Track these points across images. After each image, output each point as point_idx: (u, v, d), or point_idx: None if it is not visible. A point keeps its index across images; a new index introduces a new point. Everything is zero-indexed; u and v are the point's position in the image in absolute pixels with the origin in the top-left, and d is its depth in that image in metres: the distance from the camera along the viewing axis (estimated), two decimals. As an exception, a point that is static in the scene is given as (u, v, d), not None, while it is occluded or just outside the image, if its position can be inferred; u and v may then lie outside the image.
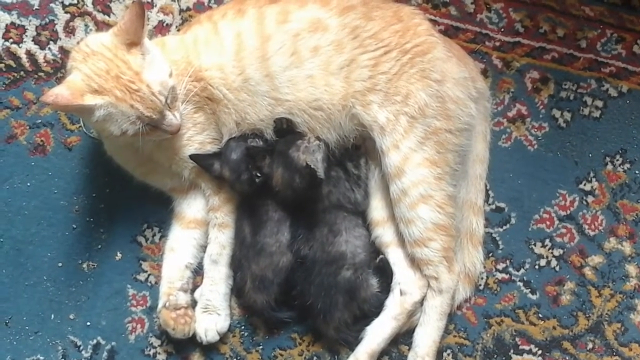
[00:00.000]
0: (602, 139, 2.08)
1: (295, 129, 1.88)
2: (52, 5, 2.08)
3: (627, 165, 2.06)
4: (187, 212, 2.00)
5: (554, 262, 2.03)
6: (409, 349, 1.93)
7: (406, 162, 1.84)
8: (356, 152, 1.96)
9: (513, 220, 2.05)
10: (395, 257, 1.94)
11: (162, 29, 2.10)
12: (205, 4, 2.11)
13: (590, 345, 1.99)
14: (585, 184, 2.06)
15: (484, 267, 2.01)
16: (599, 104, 2.09)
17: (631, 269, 2.03)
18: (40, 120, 2.05)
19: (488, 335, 2.00)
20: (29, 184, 2.03)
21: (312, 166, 1.81)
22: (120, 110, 1.67)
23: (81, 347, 1.99)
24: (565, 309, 2.01)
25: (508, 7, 2.11)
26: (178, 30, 2.08)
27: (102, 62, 1.67)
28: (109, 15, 2.09)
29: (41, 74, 2.06)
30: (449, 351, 1.99)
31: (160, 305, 1.93)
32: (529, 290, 2.02)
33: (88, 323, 2.00)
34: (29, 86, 2.06)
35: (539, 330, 2.00)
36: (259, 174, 1.88)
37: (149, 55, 1.72)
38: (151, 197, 2.02)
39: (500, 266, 2.03)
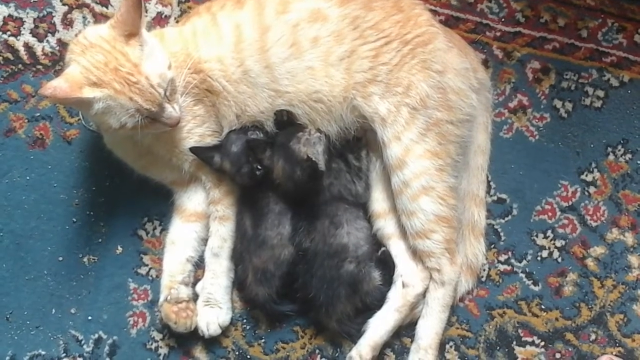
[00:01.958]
0: (603, 129, 2.07)
1: (296, 121, 1.88)
2: (49, -3, 2.07)
3: (628, 156, 2.05)
4: (188, 205, 1.99)
5: (556, 254, 2.02)
6: (411, 341, 1.93)
7: (407, 154, 1.83)
8: (357, 143, 1.95)
9: (515, 212, 2.04)
10: (397, 249, 1.93)
11: (160, 20, 2.09)
12: (204, -5, 2.09)
13: (593, 337, 1.99)
14: (587, 175, 2.05)
15: (486, 258, 2.01)
16: (601, 94, 2.08)
17: (633, 259, 2.02)
18: (39, 114, 2.04)
19: (490, 327, 2.00)
20: (28, 178, 2.02)
21: (313, 158, 1.81)
22: (119, 102, 1.66)
23: (82, 342, 1.99)
24: (568, 300, 2.01)
25: (509, -4, 2.11)
26: (177, 22, 2.07)
27: (101, 54, 1.66)
28: (107, 7, 2.08)
29: (39, 66, 2.05)
30: (451, 343, 1.99)
31: (161, 299, 1.93)
32: (531, 281, 2.01)
33: (89, 317, 1.99)
34: (27, 79, 2.05)
35: (542, 322, 2.00)
36: (259, 167, 1.87)
37: (148, 47, 1.71)
38: (151, 190, 2.01)
39: (502, 258, 2.03)
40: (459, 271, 1.91)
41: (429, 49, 1.86)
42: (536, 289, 2.01)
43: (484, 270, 2.02)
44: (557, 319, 1.99)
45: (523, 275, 2.02)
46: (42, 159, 2.03)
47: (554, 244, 2.03)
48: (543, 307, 2.00)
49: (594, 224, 2.04)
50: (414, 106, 1.83)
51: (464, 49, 1.98)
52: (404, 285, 1.90)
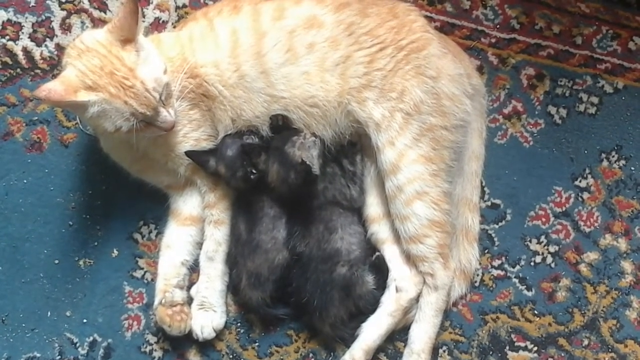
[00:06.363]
0: (597, 136, 2.07)
1: (291, 126, 1.88)
2: (48, 2, 2.08)
3: (622, 162, 2.06)
4: (183, 209, 2.00)
5: (549, 259, 2.03)
6: (404, 346, 1.94)
7: (401, 159, 1.84)
8: (352, 148, 1.95)
9: (508, 217, 2.05)
10: (391, 253, 1.94)
11: (158, 25, 2.10)
12: (201, 1, 2.11)
13: (585, 342, 1.99)
14: (580, 181, 2.06)
15: (480, 263, 2.02)
16: (595, 100, 2.09)
17: (626, 265, 2.03)
18: (36, 118, 2.05)
19: (484, 331, 2.00)
20: (25, 181, 2.03)
21: (308, 162, 1.81)
22: (114, 106, 1.67)
23: (77, 344, 1.99)
24: (561, 305, 2.01)
25: (504, 3, 2.11)
26: (174, 27, 2.08)
27: (97, 58, 1.67)
28: (105, 12, 2.09)
29: (38, 71, 2.07)
30: (444, 348, 1.99)
31: (156, 302, 1.94)
32: (525, 286, 2.02)
33: (84, 320, 2.00)
34: (26, 83, 2.06)
35: (535, 327, 2.00)
36: (254, 171, 1.88)
37: (144, 52, 1.72)
38: (147, 194, 2.02)
39: (496, 263, 2.03)
40: (452, 276, 1.92)
41: (423, 54, 1.87)
42: (529, 294, 2.02)
43: (478, 275, 2.02)
44: (550, 324, 2.00)
45: (516, 281, 2.02)
46: (39, 163, 2.04)
47: (547, 249, 2.03)
48: (536, 312, 2.01)
49: (587, 230, 2.04)
50: (408, 111, 1.84)
51: (458, 55, 1.99)
52: (397, 290, 1.91)
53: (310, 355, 1.99)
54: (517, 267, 2.03)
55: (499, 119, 2.09)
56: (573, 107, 2.09)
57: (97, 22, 2.09)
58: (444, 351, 1.99)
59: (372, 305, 1.92)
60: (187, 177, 1.96)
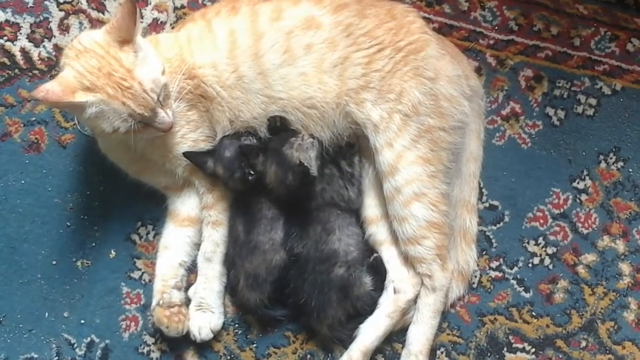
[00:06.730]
0: (595, 137, 2.08)
1: (289, 127, 1.88)
2: (46, 2, 2.08)
3: (620, 164, 2.06)
4: (181, 210, 2.00)
5: (547, 260, 2.03)
6: (402, 347, 1.93)
7: (400, 160, 1.84)
8: (350, 150, 1.95)
9: (507, 219, 2.05)
10: (388, 255, 1.94)
11: (156, 26, 2.10)
12: (200, 1, 2.11)
13: (583, 344, 1.99)
14: (578, 182, 2.06)
15: (478, 265, 2.02)
16: (593, 102, 2.09)
17: (624, 267, 2.02)
18: (34, 118, 2.05)
19: (481, 333, 2.00)
20: (23, 182, 2.03)
21: (305, 164, 1.81)
22: (112, 107, 1.67)
23: (75, 345, 1.99)
24: (559, 307, 2.01)
25: (502, 5, 2.11)
26: (172, 28, 2.09)
27: (94, 59, 1.67)
28: (103, 13, 2.09)
29: (35, 71, 2.07)
30: (442, 349, 1.99)
31: (154, 303, 1.93)
32: (523, 288, 2.02)
33: (82, 321, 2.00)
34: (24, 84, 2.06)
35: (533, 329, 2.00)
36: (252, 172, 1.88)
37: (142, 53, 1.72)
38: (145, 195, 2.02)
39: (494, 264, 2.03)
40: (450, 277, 1.92)
41: (421, 56, 1.87)
42: (527, 295, 2.01)
43: (476, 276, 2.02)
44: (547, 326, 2.00)
45: (514, 282, 2.02)
46: (37, 163, 2.04)
47: (545, 250, 2.03)
48: (534, 313, 2.01)
49: (585, 232, 2.04)
50: (406, 113, 1.84)
51: (456, 56, 1.99)
52: (395, 291, 1.91)
53: (308, 356, 1.99)
54: (515, 268, 2.03)
55: (497, 121, 2.09)
56: (571, 109, 2.09)
57: (95, 23, 2.09)
58: (442, 352, 1.99)
59: (369, 307, 1.92)
60: (185, 178, 1.96)
